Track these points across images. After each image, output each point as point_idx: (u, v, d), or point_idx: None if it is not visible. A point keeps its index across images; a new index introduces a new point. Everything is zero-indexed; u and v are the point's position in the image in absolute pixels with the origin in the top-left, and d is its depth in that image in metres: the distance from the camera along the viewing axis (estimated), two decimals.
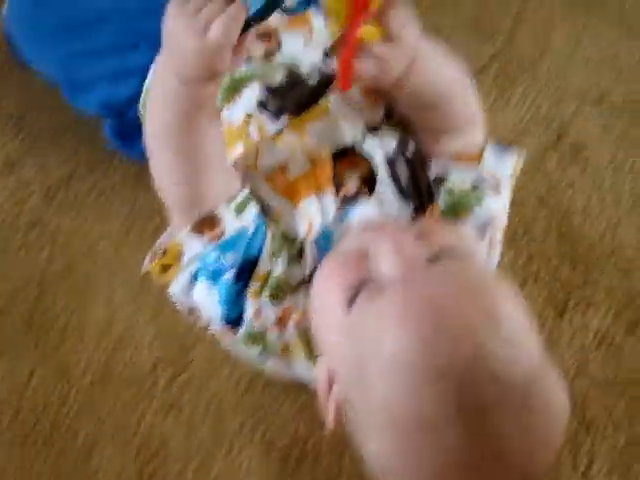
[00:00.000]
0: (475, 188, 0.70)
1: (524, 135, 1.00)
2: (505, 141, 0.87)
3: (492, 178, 0.71)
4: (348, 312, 0.53)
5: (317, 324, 0.60)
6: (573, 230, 0.93)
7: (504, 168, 0.72)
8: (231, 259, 0.61)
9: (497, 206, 0.70)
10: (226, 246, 0.62)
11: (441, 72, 0.65)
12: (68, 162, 0.97)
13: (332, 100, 0.70)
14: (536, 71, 1.07)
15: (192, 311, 0.65)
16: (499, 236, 0.73)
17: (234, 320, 0.64)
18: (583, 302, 0.87)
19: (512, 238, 0.91)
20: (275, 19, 0.76)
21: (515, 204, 0.86)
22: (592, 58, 1.08)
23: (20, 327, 0.85)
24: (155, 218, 0.85)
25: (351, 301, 0.53)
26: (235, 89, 0.74)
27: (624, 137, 1.01)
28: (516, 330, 0.52)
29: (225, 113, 0.73)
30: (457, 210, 0.69)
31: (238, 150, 0.70)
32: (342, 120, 0.69)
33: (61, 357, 0.83)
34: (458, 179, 0.69)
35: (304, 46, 0.76)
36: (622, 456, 0.78)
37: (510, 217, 0.86)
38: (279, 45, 0.77)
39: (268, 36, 0.77)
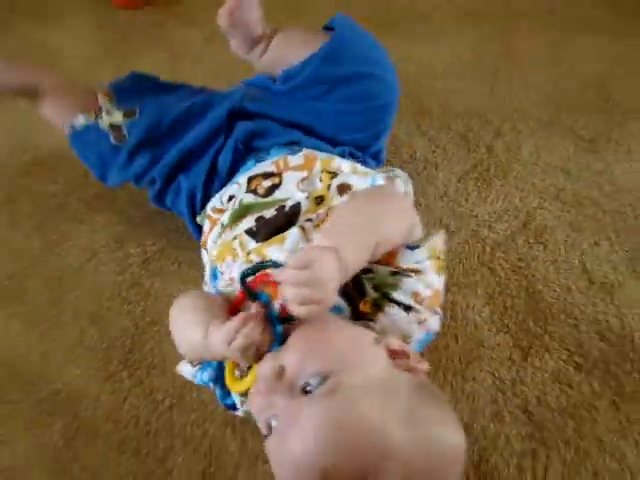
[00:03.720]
0: (394, 274, 0.75)
1: (498, 222, 1.16)
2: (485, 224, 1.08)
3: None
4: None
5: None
6: (536, 292, 1.05)
7: (420, 254, 0.75)
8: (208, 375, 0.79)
9: (418, 285, 0.74)
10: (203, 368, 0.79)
11: (364, 247, 0.70)
12: (159, 241, 1.15)
13: (291, 232, 0.79)
14: (508, 175, 1.24)
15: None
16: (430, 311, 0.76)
17: (231, 405, 0.81)
18: (542, 348, 0.98)
19: (491, 296, 1.05)
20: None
21: (494, 271, 1.06)
22: (551, 164, 1.26)
23: (119, 362, 1.00)
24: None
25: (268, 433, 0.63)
26: (241, 216, 0.86)
27: (574, 223, 1.16)
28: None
29: (228, 232, 0.87)
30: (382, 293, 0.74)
31: (228, 260, 0.84)
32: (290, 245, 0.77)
33: (148, 386, 0.97)
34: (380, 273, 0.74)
35: (296, 186, 0.86)
36: (572, 464, 0.87)
37: (489, 280, 1.04)
38: (281, 182, 0.87)
39: (277, 175, 0.89)
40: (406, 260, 0.75)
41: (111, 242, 1.17)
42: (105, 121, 1.05)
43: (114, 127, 1.04)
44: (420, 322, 0.74)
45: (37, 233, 1.19)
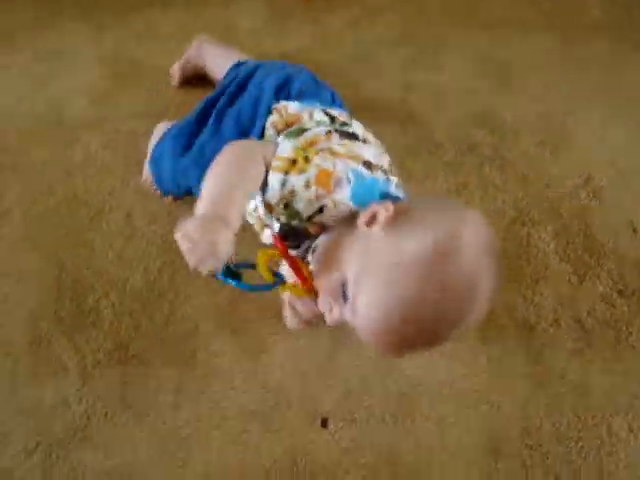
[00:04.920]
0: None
1: (566, 179, 1.40)
2: (556, 179, 1.34)
3: None
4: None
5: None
6: (592, 234, 1.29)
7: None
8: None
9: (297, 181, 0.87)
10: None
11: None
12: None
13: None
14: (576, 144, 1.50)
15: None
16: None
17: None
18: (594, 276, 1.22)
19: (557, 233, 1.28)
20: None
21: (561, 215, 1.30)
22: (611, 138, 1.51)
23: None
24: None
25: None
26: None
27: (625, 187, 1.42)
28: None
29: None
30: None
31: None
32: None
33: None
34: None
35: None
36: (610, 362, 1.10)
37: (557, 221, 1.27)
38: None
39: None
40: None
41: None
42: None
43: None
44: (329, 193, 0.86)
45: None
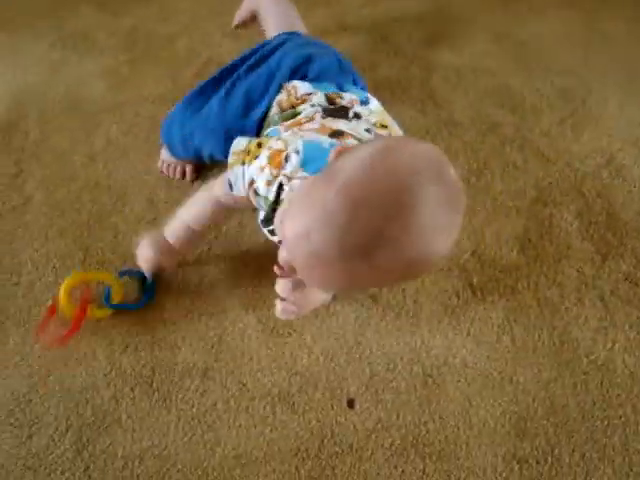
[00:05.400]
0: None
1: (588, 158, 1.40)
2: (577, 158, 1.33)
3: None
4: None
5: None
6: (615, 213, 1.29)
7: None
8: None
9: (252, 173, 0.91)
10: None
11: None
12: None
13: None
14: (597, 123, 1.49)
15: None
16: None
17: None
18: (617, 255, 1.22)
19: (579, 212, 1.28)
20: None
21: (583, 194, 1.30)
22: (633, 117, 1.50)
23: None
24: None
25: None
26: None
27: None
28: None
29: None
30: None
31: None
32: None
33: None
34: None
35: None
36: (634, 342, 1.11)
37: (579, 201, 1.27)
38: None
39: None
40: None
41: None
42: None
43: None
44: (280, 169, 0.88)
45: None
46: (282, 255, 0.76)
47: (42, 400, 1.04)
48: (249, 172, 0.91)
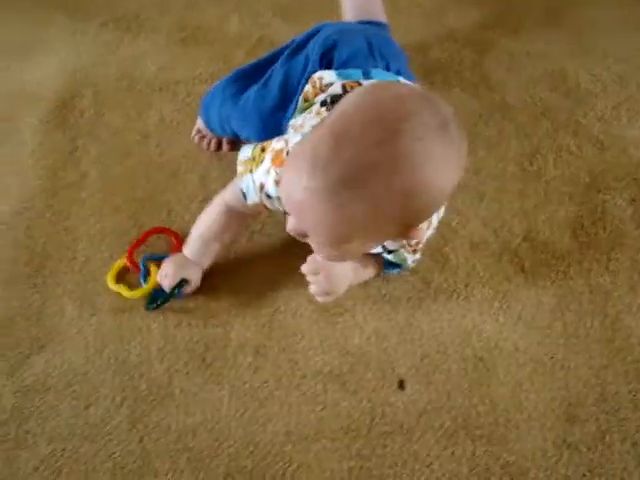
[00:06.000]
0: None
1: None
2: (631, 144, 1.31)
3: None
4: None
5: None
6: None
7: None
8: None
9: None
10: None
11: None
12: None
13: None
14: None
15: None
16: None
17: None
18: None
19: (633, 199, 1.27)
20: None
21: (637, 181, 1.28)
22: None
23: None
24: None
25: None
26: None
27: None
28: None
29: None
30: None
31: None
32: None
33: None
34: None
35: None
36: None
37: (633, 187, 1.26)
38: None
39: None
40: None
41: None
42: None
43: None
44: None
45: None
46: (290, 222, 0.79)
47: (98, 372, 1.06)
48: (257, 178, 0.94)
